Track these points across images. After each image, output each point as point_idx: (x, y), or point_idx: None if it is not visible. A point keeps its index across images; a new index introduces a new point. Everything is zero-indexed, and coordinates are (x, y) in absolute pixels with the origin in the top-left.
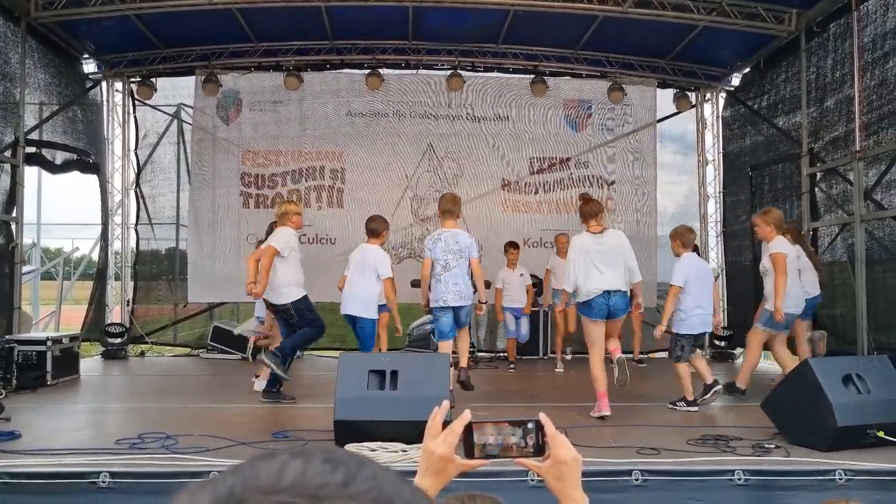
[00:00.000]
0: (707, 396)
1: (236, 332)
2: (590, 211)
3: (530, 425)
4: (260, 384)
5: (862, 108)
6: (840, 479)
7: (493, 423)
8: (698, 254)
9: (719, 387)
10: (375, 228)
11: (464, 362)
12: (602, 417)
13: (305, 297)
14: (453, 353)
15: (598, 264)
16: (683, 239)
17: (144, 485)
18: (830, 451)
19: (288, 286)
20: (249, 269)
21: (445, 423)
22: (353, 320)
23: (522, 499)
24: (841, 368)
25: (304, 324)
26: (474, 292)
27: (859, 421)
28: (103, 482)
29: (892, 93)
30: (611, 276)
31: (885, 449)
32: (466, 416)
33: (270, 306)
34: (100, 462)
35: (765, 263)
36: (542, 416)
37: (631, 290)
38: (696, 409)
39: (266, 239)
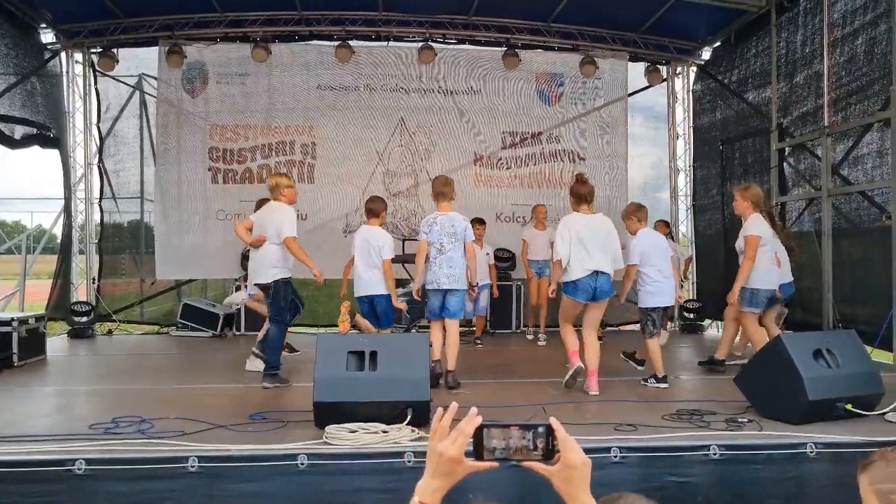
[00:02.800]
0: (649, 384)
1: (225, 301)
2: (585, 193)
3: (541, 429)
4: (252, 364)
5: (831, 84)
6: (811, 452)
7: (503, 426)
8: (671, 232)
9: (665, 385)
10: (374, 209)
11: (451, 363)
12: (575, 375)
13: (288, 282)
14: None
15: (588, 246)
16: (637, 215)
17: (122, 471)
18: (801, 424)
19: (274, 266)
20: (241, 236)
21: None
22: (369, 300)
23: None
24: (811, 343)
25: (271, 309)
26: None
27: (829, 394)
28: (79, 469)
29: (861, 69)
30: (600, 258)
31: (852, 421)
32: (477, 418)
33: (259, 285)
34: (75, 448)
35: (739, 243)
36: (553, 421)
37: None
38: (665, 385)
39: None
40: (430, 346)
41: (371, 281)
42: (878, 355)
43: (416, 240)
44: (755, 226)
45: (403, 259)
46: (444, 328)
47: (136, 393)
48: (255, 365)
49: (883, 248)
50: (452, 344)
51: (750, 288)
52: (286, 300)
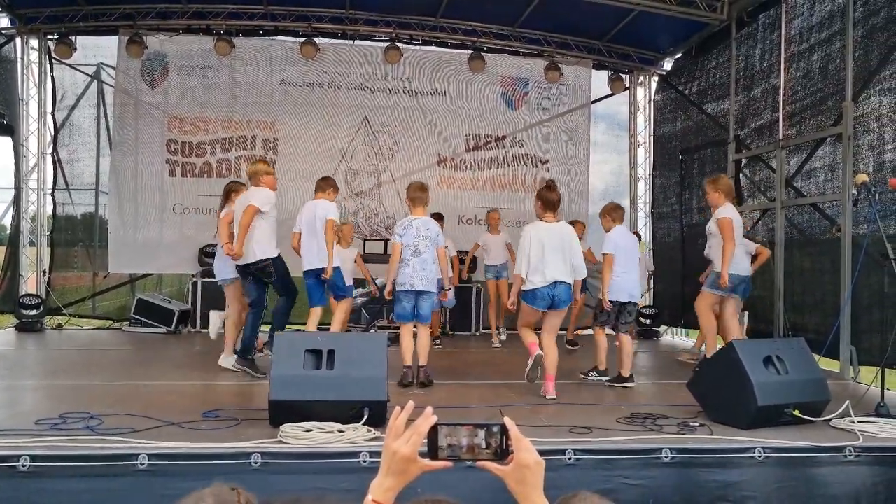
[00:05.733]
0: (616, 383)
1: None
2: (554, 200)
3: (495, 428)
4: (227, 361)
5: (787, 99)
6: (759, 457)
7: (458, 425)
8: (640, 239)
9: (631, 384)
10: (322, 185)
11: (423, 360)
12: (536, 364)
13: (281, 259)
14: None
15: (548, 255)
16: (613, 214)
17: (68, 468)
18: (750, 428)
19: (266, 243)
20: (221, 232)
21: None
22: (316, 274)
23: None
24: (762, 350)
25: (279, 285)
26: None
27: (777, 400)
28: (23, 466)
29: (816, 85)
30: (560, 268)
31: (799, 427)
32: (432, 417)
33: (243, 268)
34: (19, 445)
35: (710, 226)
36: (507, 420)
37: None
38: (606, 378)
39: (224, 204)
40: (390, 344)
41: (319, 254)
42: (826, 363)
43: (376, 239)
44: (726, 210)
45: (365, 259)
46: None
47: (85, 389)
48: (227, 362)
49: (832, 259)
50: (424, 341)
51: (718, 271)
52: (288, 275)
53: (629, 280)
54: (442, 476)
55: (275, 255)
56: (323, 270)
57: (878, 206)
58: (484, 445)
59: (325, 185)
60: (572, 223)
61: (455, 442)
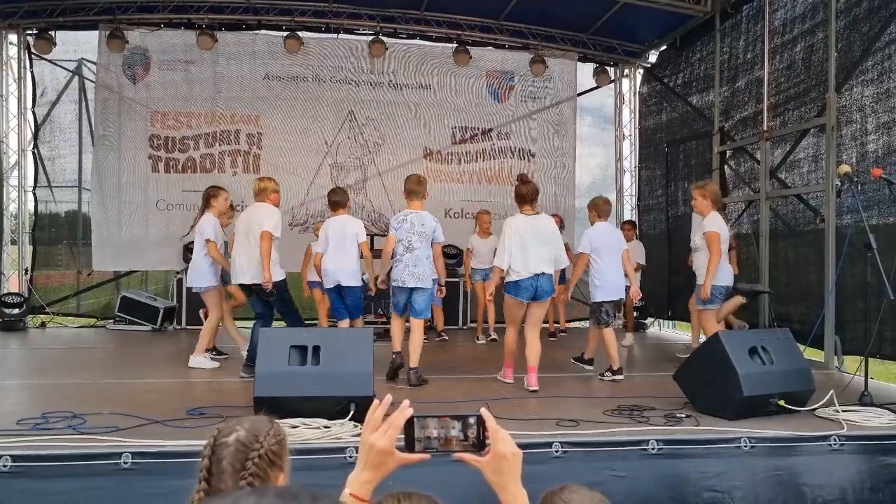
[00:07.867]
0: (605, 376)
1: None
2: (527, 193)
3: (471, 420)
4: (195, 360)
5: (770, 90)
6: (745, 446)
7: (434, 417)
8: (636, 233)
9: (620, 377)
10: (341, 200)
11: (414, 361)
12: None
13: (285, 280)
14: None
15: (529, 247)
16: (598, 209)
17: (50, 468)
18: (736, 419)
19: (273, 264)
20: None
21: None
22: (340, 291)
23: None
24: (747, 341)
25: (282, 306)
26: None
27: (763, 391)
28: (4, 466)
29: (799, 76)
30: (541, 260)
31: (783, 416)
32: (408, 410)
33: (247, 287)
34: (0, 445)
35: (696, 241)
36: (484, 411)
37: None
38: (622, 377)
39: (204, 210)
40: (376, 339)
41: (348, 270)
42: (811, 353)
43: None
44: (714, 223)
45: None
46: (405, 322)
47: (68, 388)
48: (198, 362)
49: (816, 249)
50: (417, 342)
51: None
52: (288, 292)
53: (615, 279)
54: (417, 468)
55: (280, 278)
56: (350, 288)
57: (862, 196)
58: (461, 437)
59: (344, 198)
60: (627, 223)
61: (431, 434)
